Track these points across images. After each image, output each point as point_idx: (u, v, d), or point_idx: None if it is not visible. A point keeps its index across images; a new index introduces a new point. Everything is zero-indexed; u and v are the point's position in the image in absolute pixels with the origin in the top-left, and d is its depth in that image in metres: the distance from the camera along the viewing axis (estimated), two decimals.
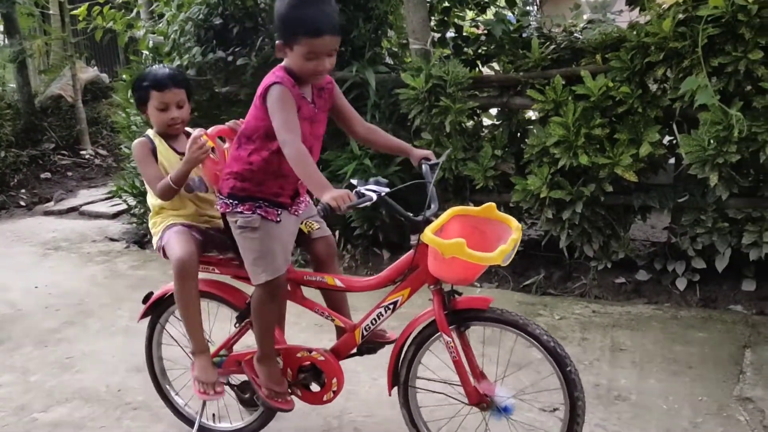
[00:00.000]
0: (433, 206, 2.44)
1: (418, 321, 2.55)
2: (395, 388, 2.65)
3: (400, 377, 2.63)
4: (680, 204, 4.36)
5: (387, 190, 2.36)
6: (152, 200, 2.87)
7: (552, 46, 4.75)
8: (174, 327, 3.03)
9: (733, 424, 2.84)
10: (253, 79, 5.17)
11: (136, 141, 2.90)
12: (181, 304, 2.77)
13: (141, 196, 6.61)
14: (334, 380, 2.71)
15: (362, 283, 2.64)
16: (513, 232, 2.34)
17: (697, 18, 3.91)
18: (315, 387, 2.80)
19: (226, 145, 2.76)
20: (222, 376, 2.88)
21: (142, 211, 6.68)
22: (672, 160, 4.59)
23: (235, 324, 2.86)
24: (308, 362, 2.73)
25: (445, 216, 2.43)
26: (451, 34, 5.63)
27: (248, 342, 2.86)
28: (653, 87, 4.34)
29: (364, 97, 5.02)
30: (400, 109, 4.97)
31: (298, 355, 2.75)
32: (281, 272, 2.54)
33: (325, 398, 2.76)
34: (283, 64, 2.47)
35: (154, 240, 2.87)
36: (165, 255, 2.78)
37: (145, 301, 3.01)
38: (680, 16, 4.07)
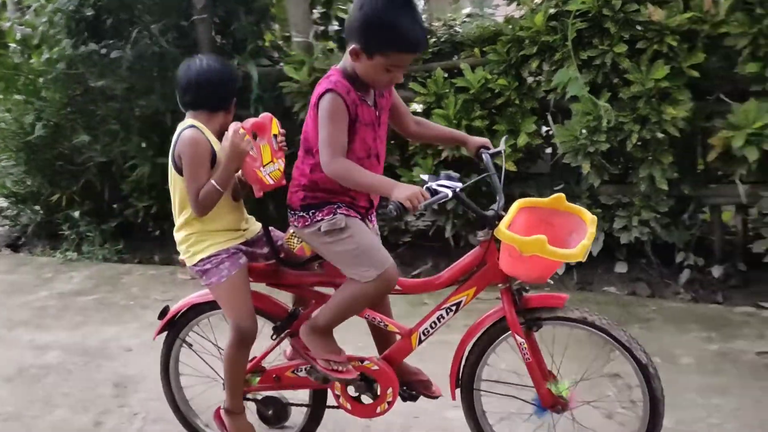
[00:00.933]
0: (500, 199, 2.30)
1: (485, 321, 2.41)
2: (457, 391, 2.50)
3: (464, 380, 2.48)
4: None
5: (460, 185, 2.19)
6: (187, 214, 2.46)
7: (433, 40, 4.83)
8: (196, 341, 2.81)
9: (603, 398, 2.96)
10: (129, 73, 4.98)
11: (190, 132, 2.39)
12: (231, 367, 2.56)
13: (13, 196, 6.27)
14: (389, 390, 2.51)
15: (422, 284, 2.48)
16: (587, 224, 2.24)
17: (567, 12, 4.09)
18: (367, 399, 2.58)
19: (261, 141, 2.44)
20: (253, 392, 2.74)
21: (15, 212, 6.33)
22: (549, 150, 4.77)
23: (273, 336, 2.63)
24: (358, 372, 2.52)
25: (513, 209, 2.30)
26: (334, 27, 5.63)
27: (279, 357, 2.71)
28: (530, 79, 4.50)
29: (247, 90, 4.94)
30: (284, 102, 4.93)
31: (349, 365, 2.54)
32: (390, 261, 2.30)
33: (378, 410, 2.56)
34: (339, 66, 2.26)
35: (189, 259, 2.49)
36: (202, 276, 2.48)
37: (161, 316, 2.71)
38: (551, 10, 4.23)
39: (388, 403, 2.53)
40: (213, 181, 2.34)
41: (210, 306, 2.64)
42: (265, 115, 2.45)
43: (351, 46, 2.18)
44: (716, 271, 4.35)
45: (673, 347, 3.53)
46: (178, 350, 2.78)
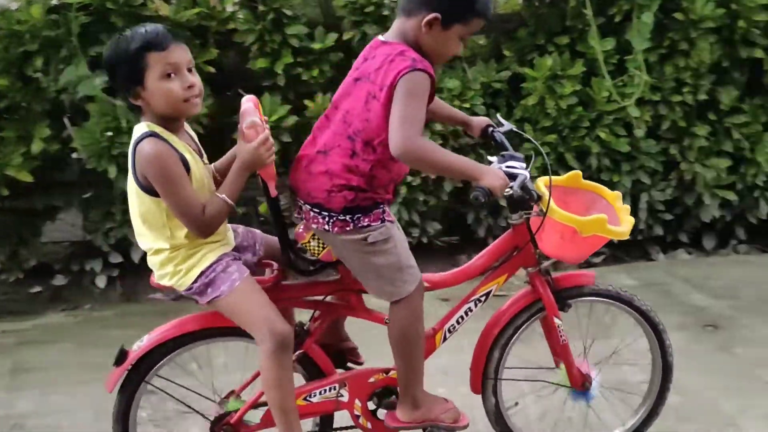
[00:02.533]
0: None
1: (512, 308, 2.33)
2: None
3: (488, 370, 2.35)
4: (87, 199, 4.19)
5: (525, 165, 2.08)
6: (164, 236, 1.99)
7: None
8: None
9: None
10: None
11: (149, 144, 1.89)
12: (279, 390, 2.05)
13: None
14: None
15: (453, 276, 2.28)
16: (609, 201, 2.25)
17: (69, 5, 3.74)
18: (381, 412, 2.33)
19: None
20: None
21: None
22: (75, 155, 4.37)
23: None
24: (382, 386, 2.27)
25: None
26: None
27: None
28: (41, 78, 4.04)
29: None
30: None
31: (371, 380, 2.28)
32: (420, 273, 2.14)
33: None
34: (397, 40, 2.01)
35: (182, 280, 2.01)
36: (206, 290, 2.01)
37: (119, 361, 2.11)
38: (52, 2, 3.84)
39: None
40: (224, 197, 1.95)
41: (192, 337, 2.16)
42: (251, 98, 2.05)
43: (427, 16, 1.95)
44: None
45: None
46: (139, 398, 2.21)
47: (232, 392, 2.26)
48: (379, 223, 2.07)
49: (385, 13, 4.02)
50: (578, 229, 2.07)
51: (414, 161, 1.99)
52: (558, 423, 2.60)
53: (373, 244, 2.05)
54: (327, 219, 2.04)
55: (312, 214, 2.06)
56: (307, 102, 4.08)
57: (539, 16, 4.40)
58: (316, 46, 4.08)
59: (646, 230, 4.53)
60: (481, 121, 2.39)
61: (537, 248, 2.23)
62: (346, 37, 4.12)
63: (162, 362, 2.17)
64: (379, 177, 2.04)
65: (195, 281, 2.00)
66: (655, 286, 4.08)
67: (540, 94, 4.15)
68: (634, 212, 4.38)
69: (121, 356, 2.12)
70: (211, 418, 2.22)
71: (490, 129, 2.35)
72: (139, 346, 2.12)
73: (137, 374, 2.16)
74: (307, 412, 2.25)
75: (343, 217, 2.03)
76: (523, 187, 1.99)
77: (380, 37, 2.07)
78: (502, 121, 2.38)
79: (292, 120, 4.03)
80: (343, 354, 2.39)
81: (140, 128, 1.95)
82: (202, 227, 1.96)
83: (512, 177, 2.01)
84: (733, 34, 4.30)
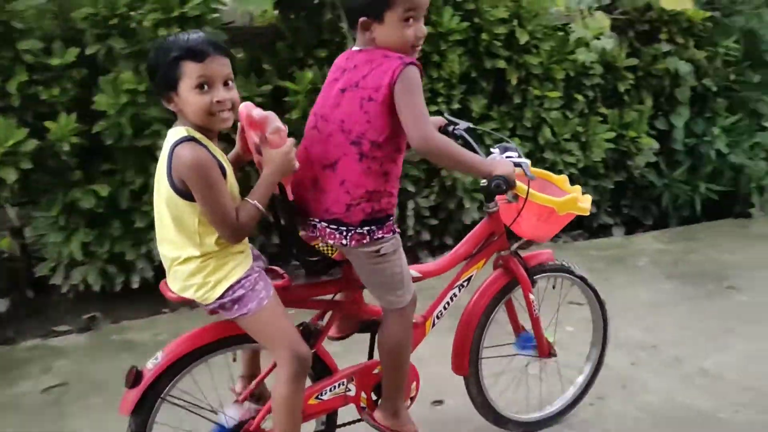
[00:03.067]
0: None
1: (490, 290, 2.56)
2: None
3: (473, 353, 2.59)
4: None
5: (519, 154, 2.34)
6: (194, 242, 1.94)
7: None
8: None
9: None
10: None
11: (189, 149, 1.86)
12: (291, 408, 2.07)
13: None
14: (413, 385, 2.44)
15: (438, 266, 2.47)
16: (558, 186, 2.53)
17: None
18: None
19: None
20: None
21: None
22: None
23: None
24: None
25: None
26: None
27: None
28: None
29: None
30: None
31: (375, 371, 2.37)
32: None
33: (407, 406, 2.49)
34: (370, 47, 2.08)
35: (210, 293, 1.96)
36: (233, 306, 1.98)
37: (134, 383, 2.02)
38: None
39: (411, 398, 2.45)
40: (255, 202, 1.96)
41: (207, 349, 2.12)
42: (247, 104, 2.03)
43: (360, 21, 2.04)
44: (2, 305, 3.94)
45: None
46: (155, 417, 2.10)
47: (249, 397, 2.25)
48: (390, 234, 2.14)
49: (132, 26, 3.73)
50: (557, 209, 2.33)
51: (436, 156, 2.08)
52: (531, 390, 2.84)
53: (384, 255, 2.13)
54: (345, 233, 2.08)
55: (328, 230, 2.09)
56: (48, 124, 3.66)
57: (296, 30, 4.36)
58: (55, 61, 3.67)
59: (414, 236, 4.68)
60: (436, 120, 2.46)
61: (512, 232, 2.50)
62: (89, 51, 3.76)
63: (178, 378, 2.11)
64: (391, 171, 2.09)
65: (221, 296, 1.97)
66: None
67: (303, 108, 4.10)
68: (402, 219, 4.56)
69: (136, 377, 2.04)
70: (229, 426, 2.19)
71: (451, 127, 2.47)
72: (154, 364, 2.06)
73: (153, 392, 2.07)
74: (318, 410, 2.30)
75: (360, 231, 2.07)
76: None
77: (354, 48, 2.13)
78: (454, 119, 2.52)
79: (31, 144, 3.57)
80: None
81: (178, 132, 1.92)
82: (236, 233, 1.95)
83: (516, 165, 2.21)
84: (477, 46, 4.59)
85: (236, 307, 1.99)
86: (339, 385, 2.29)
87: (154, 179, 1.98)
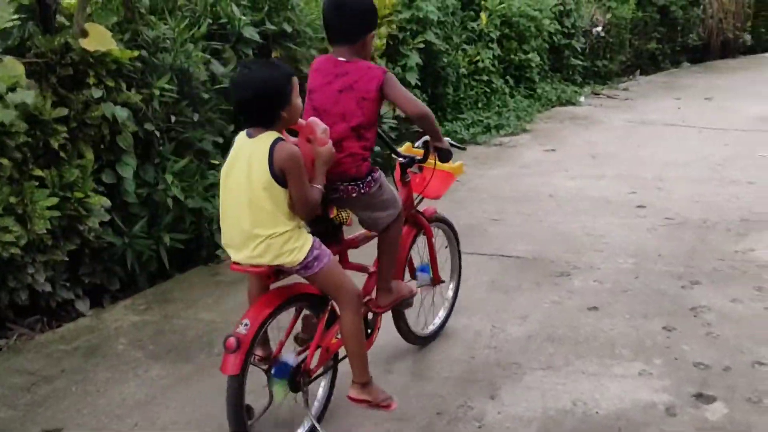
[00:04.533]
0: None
1: (407, 243, 3.53)
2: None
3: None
4: None
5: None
6: (284, 219, 2.74)
7: None
8: None
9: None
10: None
11: (288, 146, 2.69)
12: (359, 340, 2.95)
13: None
14: (379, 319, 3.44)
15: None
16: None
17: None
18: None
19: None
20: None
21: None
22: None
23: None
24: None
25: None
26: None
27: None
28: None
29: None
30: None
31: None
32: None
33: (374, 339, 3.40)
34: (357, 58, 3.05)
35: (297, 255, 2.76)
36: (314, 264, 2.80)
37: (237, 347, 2.65)
38: None
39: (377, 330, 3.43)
40: (320, 186, 2.81)
41: (279, 309, 2.86)
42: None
43: (367, 36, 3.06)
44: None
45: None
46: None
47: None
48: (377, 174, 3.14)
49: None
50: (455, 173, 3.63)
51: (425, 119, 3.15)
52: (429, 310, 4.02)
53: (381, 185, 3.15)
54: (360, 185, 3.05)
55: (350, 188, 3.04)
56: None
57: None
58: None
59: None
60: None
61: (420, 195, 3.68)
62: None
63: (259, 337, 2.76)
64: (371, 140, 3.08)
65: (306, 257, 2.74)
66: None
67: None
68: None
69: (237, 342, 2.64)
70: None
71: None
72: (247, 329, 2.68)
73: (248, 354, 2.69)
74: (339, 345, 3.11)
75: (368, 179, 3.07)
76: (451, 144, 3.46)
77: (341, 58, 3.04)
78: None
79: None
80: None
81: (271, 135, 2.68)
82: (311, 210, 2.78)
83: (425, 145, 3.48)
84: None
85: (316, 263, 2.78)
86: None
87: (229, 179, 2.76)
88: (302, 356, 2.97)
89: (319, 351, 3.00)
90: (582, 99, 11.65)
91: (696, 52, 16.21)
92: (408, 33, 8.28)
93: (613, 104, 11.54)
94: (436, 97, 9.10)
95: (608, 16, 13.44)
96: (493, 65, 10.29)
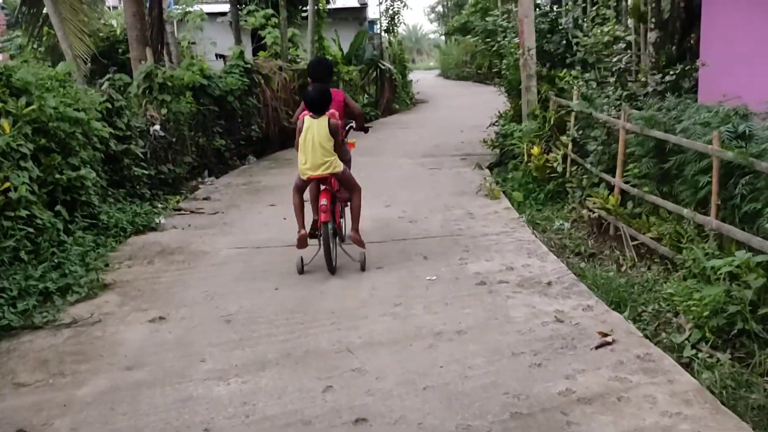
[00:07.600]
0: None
1: (342, 198, 6.85)
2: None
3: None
4: None
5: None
6: (334, 153, 6.39)
7: None
8: None
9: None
10: None
11: (335, 120, 6.39)
12: (359, 206, 6.66)
13: None
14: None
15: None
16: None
17: None
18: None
19: None
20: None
21: None
22: None
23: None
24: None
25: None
26: None
27: None
28: None
29: None
30: None
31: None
32: None
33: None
34: (333, 88, 6.76)
35: (339, 167, 6.39)
36: (345, 173, 6.52)
37: (325, 209, 6.40)
38: None
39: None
40: (347, 142, 6.97)
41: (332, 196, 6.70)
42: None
43: (330, 78, 7.02)
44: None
45: None
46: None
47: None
48: (346, 137, 7.13)
49: None
50: (353, 146, 7.33)
51: (360, 113, 7.45)
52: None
53: (344, 142, 6.92)
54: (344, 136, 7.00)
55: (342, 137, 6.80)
56: None
57: None
58: None
59: None
60: None
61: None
62: None
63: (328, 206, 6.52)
64: (346, 116, 7.14)
65: (342, 169, 6.40)
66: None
67: None
68: None
69: (325, 206, 6.40)
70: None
71: None
72: (326, 202, 6.41)
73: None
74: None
75: (346, 136, 7.09)
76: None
77: (338, 90, 7.26)
78: None
79: None
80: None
81: (325, 117, 6.30)
82: (341, 148, 6.54)
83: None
84: None
85: (345, 169, 6.48)
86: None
87: (309, 133, 6.29)
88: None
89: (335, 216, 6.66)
90: (163, 221, 8.84)
91: (259, 143, 14.77)
92: None
93: (205, 222, 8.93)
94: None
95: (164, 111, 10.95)
96: (33, 192, 6.87)
